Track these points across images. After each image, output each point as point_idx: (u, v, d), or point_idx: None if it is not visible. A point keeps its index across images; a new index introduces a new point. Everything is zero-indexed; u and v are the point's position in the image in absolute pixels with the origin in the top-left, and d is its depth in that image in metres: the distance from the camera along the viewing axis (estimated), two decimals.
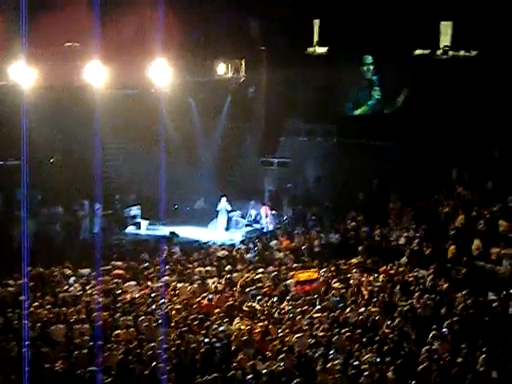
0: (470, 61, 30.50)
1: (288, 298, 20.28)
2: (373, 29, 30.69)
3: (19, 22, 20.57)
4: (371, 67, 31.85)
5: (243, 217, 31.00)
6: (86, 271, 22.25)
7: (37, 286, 20.62)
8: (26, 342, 15.74)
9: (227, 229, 30.32)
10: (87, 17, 23.16)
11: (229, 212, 30.38)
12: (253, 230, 30.42)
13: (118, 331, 16.97)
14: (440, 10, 29.92)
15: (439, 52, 31.09)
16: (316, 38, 32.28)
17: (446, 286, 20.68)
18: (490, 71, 28.81)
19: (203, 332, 17.16)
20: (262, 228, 30.45)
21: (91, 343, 16.07)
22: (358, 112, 32.60)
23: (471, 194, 26.75)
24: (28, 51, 23.00)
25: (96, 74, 25.17)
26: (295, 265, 23.66)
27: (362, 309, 18.97)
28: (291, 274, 22.21)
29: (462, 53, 30.87)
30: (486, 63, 29.45)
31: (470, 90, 28.80)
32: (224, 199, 30.06)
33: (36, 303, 18.82)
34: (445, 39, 30.90)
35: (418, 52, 31.38)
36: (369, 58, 31.71)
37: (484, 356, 15.42)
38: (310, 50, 32.37)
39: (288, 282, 21.61)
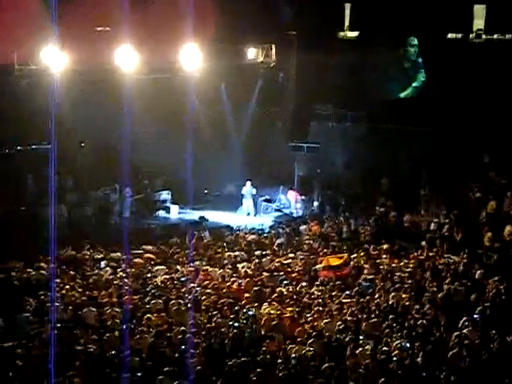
0: (504, 44, 30.10)
1: (317, 283, 20.30)
2: (404, 13, 30.44)
3: (51, 7, 20.71)
4: (416, 49, 31.46)
5: (273, 202, 30.98)
6: (116, 255, 22.41)
7: (68, 269, 20.82)
8: (56, 325, 15.97)
9: (256, 213, 30.33)
10: (118, 1, 23.22)
11: (255, 196, 30.37)
12: (282, 215, 30.41)
13: (149, 315, 17.05)
14: None
15: (472, 36, 30.72)
16: (347, 22, 32.03)
17: (477, 272, 20.51)
18: None
19: (233, 316, 17.21)
20: (292, 213, 30.44)
21: (123, 326, 16.22)
22: (403, 95, 32.20)
23: (503, 180, 26.50)
24: (59, 36, 23.10)
25: (127, 59, 25.23)
26: (325, 250, 23.61)
27: (392, 294, 18.90)
28: (320, 259, 22.21)
29: (495, 36, 30.47)
30: None
31: (504, 75, 28.45)
32: (249, 183, 30.04)
33: (68, 286, 19.01)
34: (478, 23, 30.51)
35: (450, 36, 31.03)
36: (414, 40, 31.30)
37: None
38: (341, 34, 32.14)
39: (317, 266, 21.62)
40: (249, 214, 30.07)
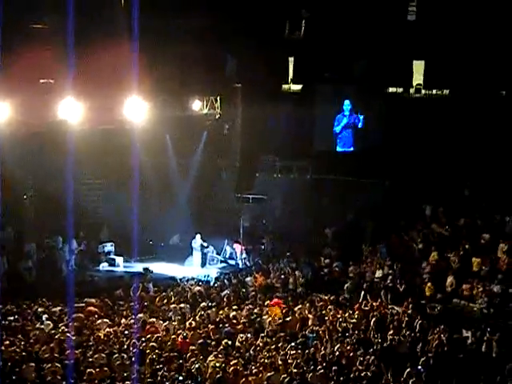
0: (442, 99, 30.97)
1: (263, 334, 20.22)
2: (347, 67, 31.13)
3: None
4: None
5: (218, 253, 30.93)
6: (59, 308, 22.00)
7: (9, 323, 20.34)
8: None
9: (202, 265, 30.21)
10: (62, 53, 23.22)
11: (204, 248, 30.31)
12: (228, 267, 30.35)
13: (91, 370, 16.73)
14: (413, 48, 30.44)
15: (412, 90, 31.54)
16: (291, 75, 32.57)
17: (420, 322, 20.71)
18: (462, 110, 29.27)
19: (177, 369, 17.00)
20: (238, 264, 30.40)
21: (63, 382, 15.86)
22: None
23: (445, 231, 26.96)
24: (2, 87, 22.93)
25: (71, 111, 25.12)
26: (267, 302, 23.58)
27: (337, 345, 18.94)
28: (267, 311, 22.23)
29: (434, 91, 31.35)
30: (458, 102, 29.93)
31: (442, 129, 29.21)
32: (198, 236, 30.03)
33: (7, 341, 18.54)
34: (417, 78, 31.38)
35: (391, 90, 31.79)
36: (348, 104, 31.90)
37: None
38: (285, 87, 32.64)
39: (263, 318, 21.59)
40: (196, 266, 29.99)
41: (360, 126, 31.73)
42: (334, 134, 32.02)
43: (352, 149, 32.03)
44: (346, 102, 31.61)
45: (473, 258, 24.52)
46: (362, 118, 31.59)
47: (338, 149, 32.09)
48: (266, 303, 23.22)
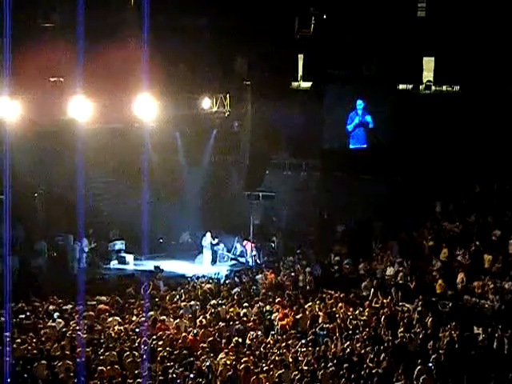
0: (452, 96, 30.90)
1: (273, 332, 20.23)
2: (357, 64, 31.10)
3: (3, 56, 20.65)
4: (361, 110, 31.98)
5: (229, 251, 30.95)
6: (70, 306, 22.05)
7: (21, 321, 20.41)
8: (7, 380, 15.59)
9: (213, 263, 30.24)
10: (72, 51, 23.29)
11: (214, 246, 30.32)
12: (238, 264, 30.36)
13: (102, 367, 16.77)
14: (423, 45, 30.39)
15: (422, 87, 31.49)
16: (300, 72, 32.57)
17: (431, 319, 20.67)
18: (472, 106, 29.21)
19: (188, 367, 17.01)
20: (248, 262, 30.41)
21: (75, 380, 15.89)
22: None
23: (455, 228, 26.90)
24: (12, 85, 23.00)
25: (81, 109, 25.17)
26: (279, 299, 23.56)
27: (348, 343, 18.92)
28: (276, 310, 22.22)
29: (444, 88, 31.29)
30: (468, 98, 29.86)
31: (452, 125, 29.14)
32: (209, 234, 30.03)
33: (19, 340, 18.61)
34: (427, 74, 31.33)
35: (401, 87, 31.74)
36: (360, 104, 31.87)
37: None
38: (295, 84, 32.64)
39: (273, 315, 21.58)
40: (206, 264, 30.00)
41: (371, 123, 31.69)
42: (345, 131, 31.97)
43: (365, 145, 32.00)
44: (359, 101, 31.56)
45: (484, 255, 24.47)
46: (371, 116, 31.57)
47: (351, 146, 32.03)
48: (276, 300, 23.20)
